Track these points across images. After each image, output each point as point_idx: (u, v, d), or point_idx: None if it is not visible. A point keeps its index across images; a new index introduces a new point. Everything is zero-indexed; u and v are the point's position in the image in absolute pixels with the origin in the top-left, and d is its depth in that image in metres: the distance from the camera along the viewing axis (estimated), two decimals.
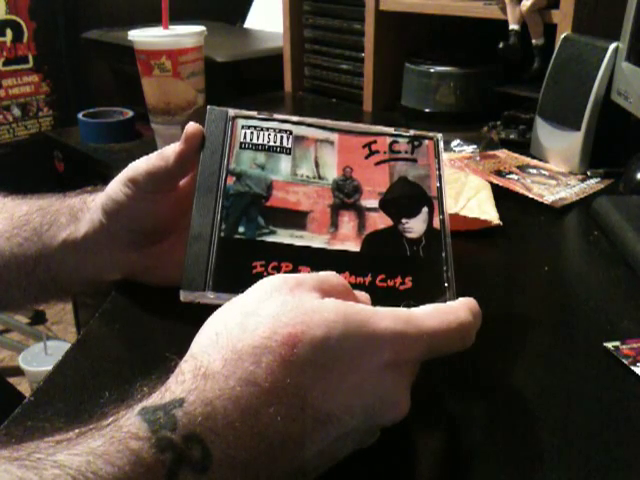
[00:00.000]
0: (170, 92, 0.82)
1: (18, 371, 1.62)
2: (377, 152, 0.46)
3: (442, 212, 0.44)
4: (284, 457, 0.29)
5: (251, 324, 0.30)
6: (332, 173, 0.45)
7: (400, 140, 0.47)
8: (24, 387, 1.54)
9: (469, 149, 0.82)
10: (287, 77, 1.23)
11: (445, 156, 0.77)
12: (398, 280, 0.40)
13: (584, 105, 0.75)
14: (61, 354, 0.44)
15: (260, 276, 0.37)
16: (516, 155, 0.83)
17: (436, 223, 0.43)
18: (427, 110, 1.03)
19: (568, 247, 0.65)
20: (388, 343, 0.31)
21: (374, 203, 0.44)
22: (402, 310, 0.33)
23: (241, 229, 0.41)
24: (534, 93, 0.85)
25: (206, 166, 0.44)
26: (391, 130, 0.48)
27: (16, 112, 2.02)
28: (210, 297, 0.38)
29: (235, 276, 0.39)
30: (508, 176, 0.74)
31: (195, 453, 0.26)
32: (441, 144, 0.47)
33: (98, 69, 1.78)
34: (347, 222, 0.43)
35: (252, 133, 0.46)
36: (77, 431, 0.27)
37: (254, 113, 0.47)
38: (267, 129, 0.46)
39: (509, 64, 0.96)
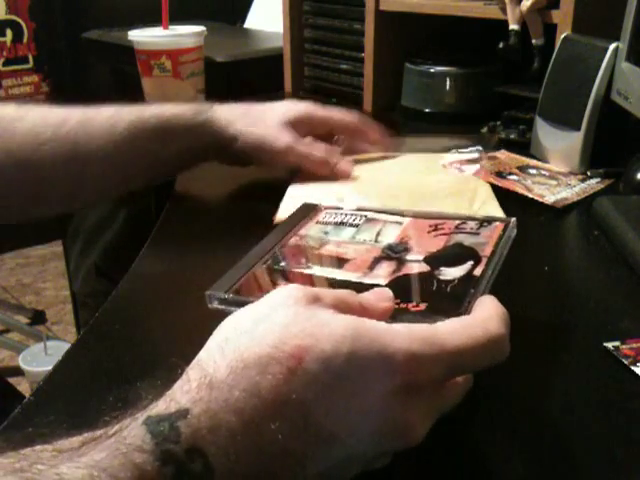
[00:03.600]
0: (170, 92, 0.82)
1: (18, 371, 1.62)
2: (442, 229, 0.47)
3: (491, 269, 0.42)
4: (284, 474, 0.28)
5: (260, 332, 0.29)
6: (389, 240, 0.47)
7: (469, 222, 0.48)
8: (24, 387, 1.54)
9: (471, 151, 0.82)
10: (287, 77, 1.23)
11: (448, 158, 0.76)
12: (412, 304, 0.39)
13: (584, 105, 0.75)
14: (61, 354, 0.44)
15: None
16: (516, 156, 0.83)
17: (477, 272, 0.41)
18: (427, 110, 1.03)
19: (568, 247, 0.65)
20: (401, 364, 0.29)
21: (418, 257, 0.44)
22: (421, 327, 0.31)
23: (283, 264, 0.45)
24: (534, 93, 0.85)
25: (279, 230, 0.50)
26: (465, 215, 0.49)
27: None
28: (226, 297, 0.40)
29: (257, 288, 0.43)
30: (509, 177, 0.74)
31: (197, 467, 0.25)
32: (513, 230, 0.46)
33: (98, 69, 1.78)
34: (384, 267, 0.43)
35: (331, 215, 0.52)
36: (80, 440, 0.26)
37: (339, 204, 0.54)
38: (347, 214, 0.51)
39: (509, 64, 0.96)
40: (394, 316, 0.36)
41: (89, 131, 0.61)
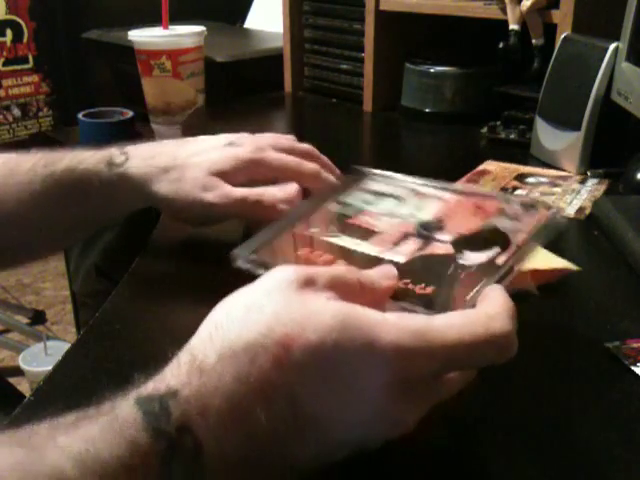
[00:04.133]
0: (170, 92, 0.82)
1: (18, 371, 1.62)
2: (483, 210, 0.46)
3: (517, 260, 0.40)
4: (273, 457, 0.29)
5: (250, 319, 0.30)
6: (427, 216, 0.45)
7: (515, 204, 0.46)
8: (24, 387, 1.54)
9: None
10: (287, 77, 1.23)
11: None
12: (420, 286, 0.38)
13: (584, 105, 0.75)
14: (61, 354, 0.44)
15: (300, 259, 0.41)
16: (505, 164, 0.81)
17: (500, 260, 0.39)
18: (427, 110, 1.03)
19: (568, 247, 0.65)
20: (391, 359, 0.29)
21: (447, 238, 0.43)
22: (415, 319, 0.31)
23: (313, 229, 0.46)
24: (534, 93, 0.85)
25: (320, 196, 0.51)
26: (512, 196, 0.46)
27: (16, 112, 2.02)
28: (249, 257, 0.41)
29: (280, 253, 0.43)
30: (515, 193, 0.72)
31: (187, 443, 0.26)
32: (558, 219, 0.44)
33: (98, 69, 1.77)
34: (409, 244, 0.43)
35: (377, 183, 0.51)
36: (73, 418, 0.27)
37: (390, 174, 0.52)
38: (393, 184, 0.50)
39: (509, 64, 0.96)
40: (396, 297, 0.36)
41: (6, 190, 0.57)
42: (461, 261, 0.40)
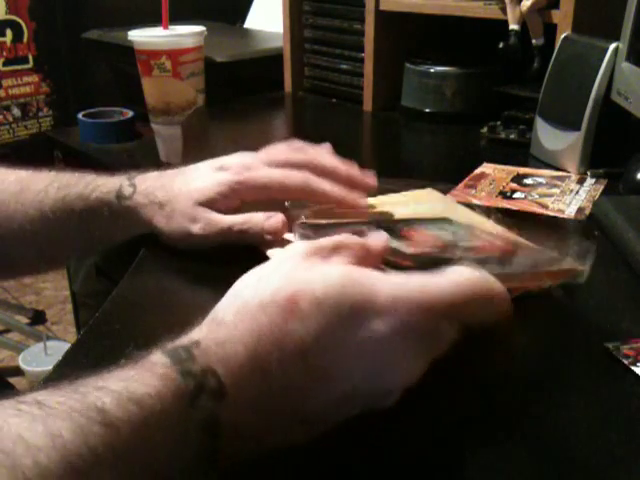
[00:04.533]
0: (170, 92, 0.82)
1: (18, 371, 1.62)
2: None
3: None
4: (287, 405, 0.31)
5: (263, 284, 0.33)
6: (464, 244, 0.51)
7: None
8: (24, 387, 1.54)
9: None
10: (287, 77, 1.23)
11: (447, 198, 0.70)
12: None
13: (584, 105, 0.75)
14: (61, 354, 0.44)
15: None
16: (502, 166, 0.80)
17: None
18: (427, 110, 1.03)
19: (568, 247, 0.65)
20: (390, 309, 0.32)
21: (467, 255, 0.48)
22: (414, 276, 0.34)
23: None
24: (534, 93, 0.85)
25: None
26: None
27: (16, 112, 2.02)
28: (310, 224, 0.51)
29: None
30: (514, 196, 0.71)
31: (212, 383, 0.29)
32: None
33: (98, 69, 1.78)
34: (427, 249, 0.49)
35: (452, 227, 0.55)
36: (108, 370, 0.29)
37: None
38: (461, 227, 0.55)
39: (509, 64, 0.96)
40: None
41: (17, 207, 0.59)
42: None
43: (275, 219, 0.54)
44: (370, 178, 0.60)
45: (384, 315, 0.32)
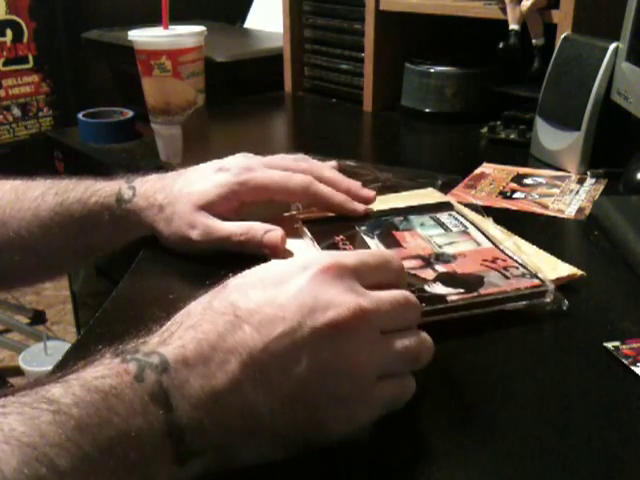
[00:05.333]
0: (170, 92, 0.82)
1: (18, 371, 1.62)
2: (494, 263, 0.51)
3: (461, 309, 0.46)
4: (228, 363, 0.31)
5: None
6: (449, 250, 0.53)
7: (521, 268, 0.50)
8: None
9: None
10: (287, 77, 1.23)
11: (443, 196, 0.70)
12: None
13: (584, 105, 0.75)
14: (61, 354, 0.44)
15: (334, 246, 0.53)
16: (502, 166, 0.81)
17: (451, 298, 0.46)
18: (427, 110, 1.03)
19: (568, 247, 0.65)
20: (315, 260, 0.35)
21: (440, 269, 0.50)
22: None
23: (363, 228, 0.56)
24: (534, 93, 0.85)
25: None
26: (532, 268, 0.50)
27: (16, 112, 2.03)
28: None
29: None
30: (514, 196, 0.72)
31: (154, 360, 0.30)
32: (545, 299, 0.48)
33: (98, 69, 1.77)
34: (412, 262, 0.51)
35: (448, 218, 0.59)
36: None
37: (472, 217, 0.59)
38: (455, 217, 0.59)
39: (509, 64, 0.96)
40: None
41: (12, 214, 0.58)
42: (426, 287, 0.48)
43: (274, 233, 0.54)
44: (370, 192, 0.60)
45: (311, 265, 0.34)
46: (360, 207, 0.59)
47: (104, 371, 0.29)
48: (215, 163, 0.58)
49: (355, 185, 0.60)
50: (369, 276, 0.37)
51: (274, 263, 0.37)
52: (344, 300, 0.33)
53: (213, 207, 0.55)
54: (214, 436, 0.31)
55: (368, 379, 0.34)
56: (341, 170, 0.63)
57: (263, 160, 0.59)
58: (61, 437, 0.26)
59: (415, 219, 0.58)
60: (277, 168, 0.57)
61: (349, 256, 0.37)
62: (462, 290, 0.47)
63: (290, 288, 0.33)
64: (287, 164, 0.59)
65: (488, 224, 0.59)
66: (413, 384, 0.36)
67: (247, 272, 0.36)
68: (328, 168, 0.60)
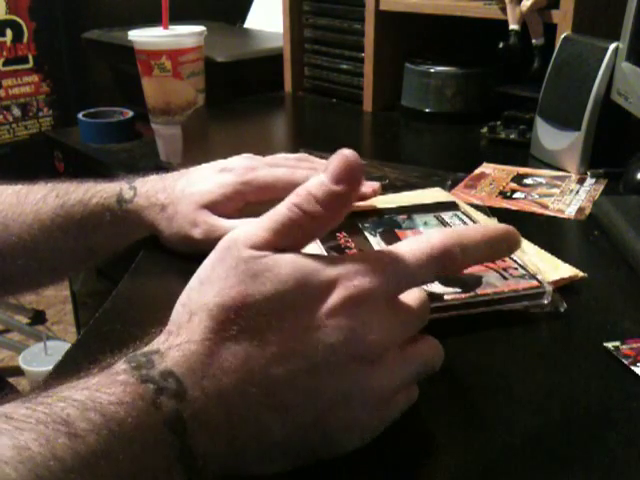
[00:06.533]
0: (170, 92, 0.82)
1: (18, 371, 1.62)
2: (493, 263, 0.50)
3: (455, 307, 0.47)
4: (244, 390, 0.30)
5: (205, 290, 0.33)
6: None
7: (520, 269, 0.50)
8: (24, 387, 1.54)
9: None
10: (287, 77, 1.23)
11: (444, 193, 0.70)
12: None
13: (584, 105, 0.75)
14: (61, 354, 0.44)
15: (338, 246, 0.52)
16: (502, 166, 0.81)
17: (448, 297, 0.47)
18: (427, 110, 1.03)
19: (568, 247, 0.65)
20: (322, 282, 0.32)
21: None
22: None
23: (366, 225, 0.56)
24: (534, 93, 0.85)
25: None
26: (530, 270, 0.50)
27: (16, 112, 2.03)
28: None
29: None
30: (515, 196, 0.72)
31: (171, 384, 0.29)
32: (543, 300, 0.48)
33: (98, 69, 1.78)
34: None
35: (452, 218, 0.58)
36: (72, 379, 0.30)
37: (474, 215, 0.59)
38: (456, 215, 0.58)
39: (509, 64, 0.96)
40: None
41: (14, 218, 0.58)
42: (423, 286, 0.45)
43: None
44: (374, 183, 0.60)
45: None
46: (366, 188, 0.58)
47: (120, 394, 0.28)
48: (218, 163, 0.58)
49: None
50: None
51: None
52: (334, 339, 0.31)
53: (217, 207, 0.55)
54: (226, 461, 0.31)
55: (386, 396, 0.33)
56: None
57: (266, 160, 0.59)
58: (77, 464, 0.26)
59: (419, 218, 0.58)
60: (280, 167, 0.57)
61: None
62: (459, 289, 0.47)
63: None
64: (290, 163, 0.59)
65: (492, 225, 0.59)
66: (417, 388, 0.36)
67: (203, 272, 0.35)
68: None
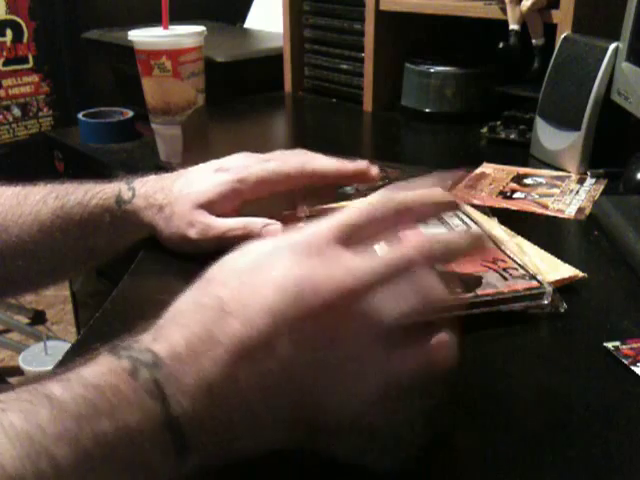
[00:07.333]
0: (170, 92, 0.82)
1: (18, 371, 1.62)
2: (494, 264, 0.51)
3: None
4: (219, 356, 0.31)
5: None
6: None
7: (521, 269, 0.50)
8: None
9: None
10: (287, 77, 1.23)
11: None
12: None
13: (584, 105, 0.75)
14: (61, 354, 0.44)
15: None
16: (502, 166, 0.80)
17: None
18: (427, 110, 1.03)
19: (568, 247, 0.65)
20: (288, 242, 0.34)
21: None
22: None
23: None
24: (534, 93, 0.85)
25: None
26: (532, 270, 0.50)
27: (16, 112, 2.03)
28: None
29: None
30: (515, 196, 0.71)
31: (148, 357, 0.31)
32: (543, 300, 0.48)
33: (98, 69, 1.77)
34: None
35: (452, 217, 0.57)
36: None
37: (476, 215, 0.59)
38: (459, 216, 0.57)
39: (509, 64, 0.96)
40: None
41: (14, 219, 0.58)
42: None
43: (273, 227, 0.54)
44: (373, 169, 0.59)
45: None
46: (361, 164, 0.58)
47: (101, 369, 0.30)
48: (214, 163, 0.59)
49: (357, 164, 0.59)
50: (363, 232, 0.35)
51: (249, 248, 0.36)
52: (323, 284, 0.32)
53: (214, 206, 0.55)
54: (212, 428, 0.31)
55: (361, 344, 0.32)
56: None
57: (261, 157, 0.59)
58: (60, 431, 0.26)
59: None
60: (274, 161, 0.58)
61: (325, 223, 0.35)
62: (459, 290, 0.47)
63: (269, 275, 0.33)
64: (284, 157, 0.59)
65: (492, 224, 0.59)
66: (447, 338, 0.34)
67: (226, 260, 0.35)
68: (326, 157, 0.60)
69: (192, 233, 0.55)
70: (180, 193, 0.56)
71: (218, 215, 0.55)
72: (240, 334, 0.31)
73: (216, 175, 0.57)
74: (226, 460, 0.32)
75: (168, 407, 0.29)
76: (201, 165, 0.59)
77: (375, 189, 0.66)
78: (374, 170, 0.58)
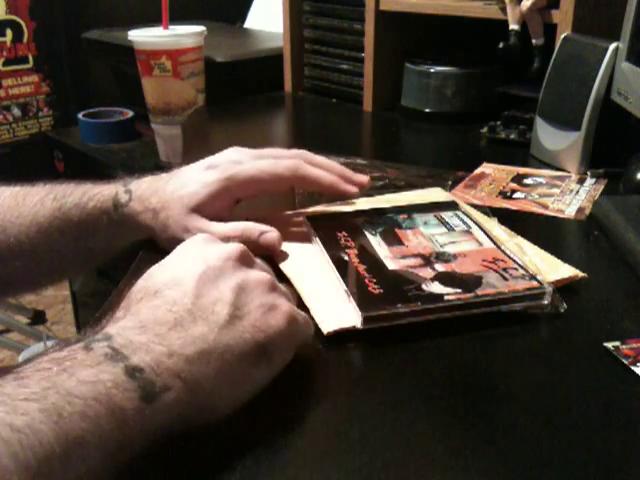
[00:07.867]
0: (170, 92, 0.82)
1: None
2: (494, 264, 0.51)
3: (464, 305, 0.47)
4: (166, 320, 0.36)
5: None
6: (450, 250, 0.53)
7: (520, 269, 0.50)
8: None
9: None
10: (287, 77, 1.23)
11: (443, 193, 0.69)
12: (374, 286, 0.47)
13: (584, 105, 0.75)
14: None
15: (338, 246, 0.53)
16: (502, 166, 0.80)
17: (448, 297, 0.47)
18: (427, 110, 1.03)
19: (568, 247, 0.65)
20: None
21: (440, 269, 0.50)
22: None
23: (366, 224, 0.57)
24: (534, 93, 0.85)
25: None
26: (530, 269, 0.50)
27: (16, 112, 2.02)
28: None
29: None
30: (515, 196, 0.71)
31: (99, 336, 0.35)
32: (543, 300, 0.48)
33: (98, 69, 1.78)
34: (410, 260, 0.51)
35: (452, 217, 0.59)
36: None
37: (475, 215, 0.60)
38: (459, 216, 0.59)
39: (509, 64, 0.96)
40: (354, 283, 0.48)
41: (12, 220, 0.58)
42: (424, 285, 0.48)
43: (270, 235, 0.53)
44: (363, 177, 0.59)
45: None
46: (352, 189, 0.58)
47: (59, 352, 0.33)
48: (205, 161, 0.58)
49: (348, 170, 0.59)
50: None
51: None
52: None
53: (206, 207, 0.55)
54: (175, 369, 0.34)
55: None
56: (348, 167, 0.63)
57: (253, 153, 0.58)
58: (26, 394, 0.29)
59: (419, 217, 0.58)
60: (267, 158, 0.57)
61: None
62: (459, 290, 0.47)
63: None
64: (277, 153, 0.58)
65: (492, 224, 0.59)
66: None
67: (165, 260, 0.45)
68: (319, 156, 0.60)
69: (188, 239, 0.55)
70: (172, 195, 0.56)
71: (211, 215, 0.55)
72: (183, 301, 0.38)
73: (206, 173, 0.56)
74: (205, 415, 0.35)
75: (128, 361, 0.33)
76: (192, 164, 0.59)
77: (375, 189, 0.67)
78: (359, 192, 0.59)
